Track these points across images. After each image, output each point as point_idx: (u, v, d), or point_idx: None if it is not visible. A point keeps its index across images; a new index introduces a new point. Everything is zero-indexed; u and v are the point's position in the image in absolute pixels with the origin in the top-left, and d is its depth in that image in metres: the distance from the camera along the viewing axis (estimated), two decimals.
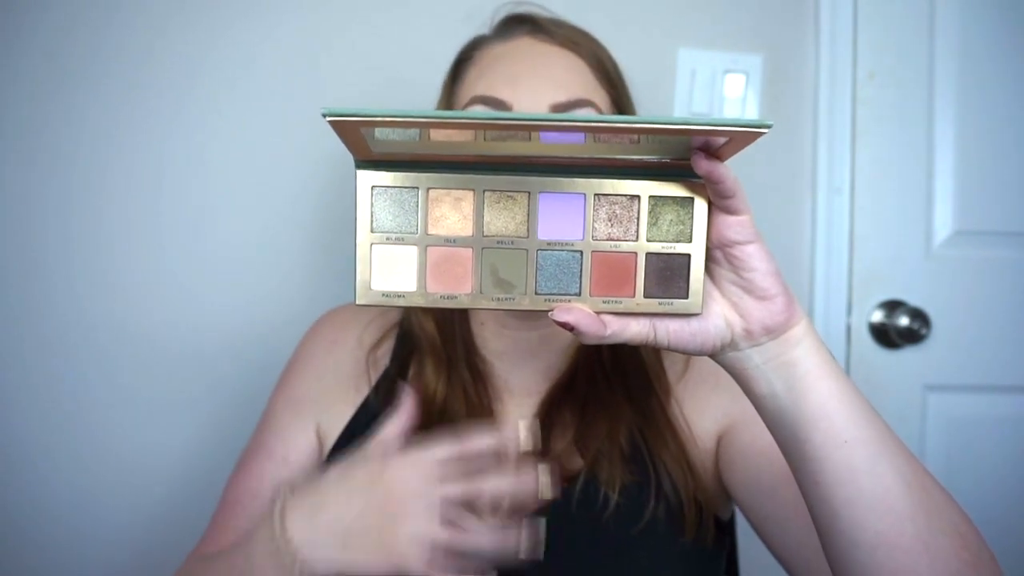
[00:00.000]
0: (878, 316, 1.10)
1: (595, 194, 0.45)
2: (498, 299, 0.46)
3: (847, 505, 0.44)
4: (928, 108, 1.10)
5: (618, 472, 0.65)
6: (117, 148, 0.97)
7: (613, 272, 0.46)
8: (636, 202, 0.46)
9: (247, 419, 0.81)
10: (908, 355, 1.11)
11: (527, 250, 0.45)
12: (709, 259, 0.47)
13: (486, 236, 0.45)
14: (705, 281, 0.46)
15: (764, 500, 0.62)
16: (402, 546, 0.55)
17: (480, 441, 0.61)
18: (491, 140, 0.44)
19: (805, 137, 1.11)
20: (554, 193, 0.45)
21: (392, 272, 0.45)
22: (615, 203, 0.46)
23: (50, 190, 0.95)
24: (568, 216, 0.45)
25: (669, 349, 0.47)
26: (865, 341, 1.11)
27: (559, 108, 0.67)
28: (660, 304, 0.46)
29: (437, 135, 0.44)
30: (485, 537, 0.54)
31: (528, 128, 0.38)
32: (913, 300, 1.10)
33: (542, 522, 0.57)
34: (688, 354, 0.48)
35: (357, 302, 0.45)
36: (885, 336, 1.10)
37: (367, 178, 0.45)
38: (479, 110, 0.68)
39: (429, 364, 0.73)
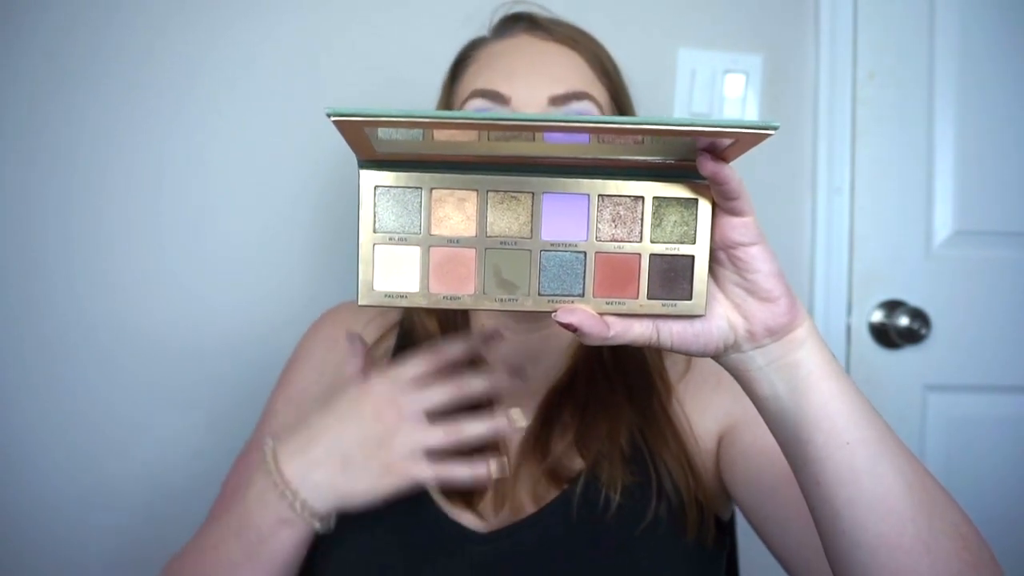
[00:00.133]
0: (878, 316, 1.10)
1: (599, 195, 0.45)
2: (501, 300, 0.45)
3: (848, 506, 0.44)
4: (928, 108, 1.10)
5: (619, 473, 0.65)
6: (117, 148, 0.96)
7: (617, 273, 0.45)
8: (640, 203, 0.45)
9: (247, 418, 0.81)
10: (908, 355, 1.11)
11: (530, 251, 0.45)
12: (713, 260, 0.46)
13: (489, 237, 0.45)
14: (709, 282, 0.46)
15: (765, 500, 0.62)
16: (401, 457, 0.55)
17: (452, 349, 0.61)
18: (495, 140, 0.44)
19: (805, 137, 1.11)
20: (558, 194, 0.45)
21: (395, 272, 0.45)
22: (619, 204, 0.45)
23: (50, 190, 0.95)
24: (572, 217, 0.45)
25: (672, 350, 0.47)
26: (865, 341, 1.11)
27: (557, 100, 0.67)
28: (664, 305, 0.46)
29: (441, 135, 0.44)
30: (479, 426, 0.54)
31: (532, 128, 0.37)
32: (913, 300, 1.10)
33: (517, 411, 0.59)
34: (691, 355, 0.48)
35: (360, 302, 0.45)
36: (885, 336, 1.10)
37: (370, 178, 0.44)
38: (478, 103, 0.68)
39: None
